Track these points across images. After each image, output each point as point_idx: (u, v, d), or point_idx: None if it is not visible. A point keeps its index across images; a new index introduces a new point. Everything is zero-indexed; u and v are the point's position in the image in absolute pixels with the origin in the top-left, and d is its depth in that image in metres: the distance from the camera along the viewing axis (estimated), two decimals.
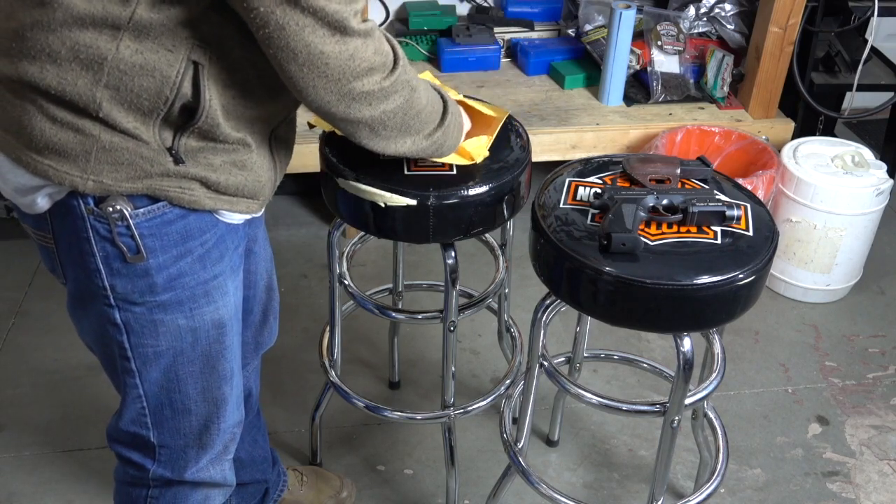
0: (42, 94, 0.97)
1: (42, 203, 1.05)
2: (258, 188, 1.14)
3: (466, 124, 1.34)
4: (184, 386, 1.19)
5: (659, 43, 2.54)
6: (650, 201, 1.26)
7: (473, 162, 1.36)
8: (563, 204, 1.31)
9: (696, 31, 2.63)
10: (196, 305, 1.13)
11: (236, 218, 1.15)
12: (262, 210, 1.21)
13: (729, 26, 2.61)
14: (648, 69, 2.53)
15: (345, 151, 1.48)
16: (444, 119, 1.21)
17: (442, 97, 1.21)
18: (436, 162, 1.37)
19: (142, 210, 1.04)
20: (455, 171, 1.38)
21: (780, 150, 2.39)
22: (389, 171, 1.42)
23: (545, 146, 2.42)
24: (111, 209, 1.03)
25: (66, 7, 0.94)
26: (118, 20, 0.94)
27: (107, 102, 0.97)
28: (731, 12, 2.60)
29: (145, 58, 0.96)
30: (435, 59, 2.67)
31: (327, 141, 1.52)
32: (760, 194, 2.20)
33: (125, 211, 1.03)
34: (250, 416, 1.57)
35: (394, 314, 1.71)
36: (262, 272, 1.42)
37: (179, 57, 0.97)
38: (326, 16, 0.95)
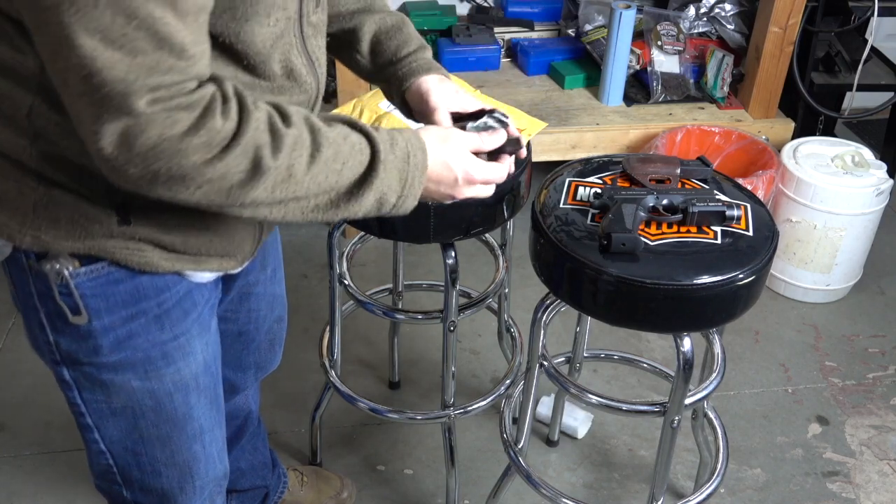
0: None
1: None
2: (232, 247, 1.04)
3: (444, 156, 1.00)
4: (150, 448, 1.12)
5: (659, 43, 2.54)
6: (650, 201, 1.26)
7: None
8: (563, 204, 1.31)
9: (696, 31, 2.63)
10: (153, 367, 1.04)
11: (206, 276, 1.05)
12: (245, 265, 1.10)
13: (729, 26, 2.61)
14: (648, 69, 2.53)
15: None
16: (373, 173, 0.92)
17: (371, 145, 0.93)
18: None
19: (84, 270, 0.96)
20: None
21: (780, 150, 2.39)
22: None
23: (545, 146, 2.42)
24: (49, 267, 0.95)
25: None
26: (29, 72, 0.87)
27: (37, 153, 0.90)
28: (731, 12, 2.61)
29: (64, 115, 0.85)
30: (435, 60, 2.67)
31: None
32: (760, 194, 2.20)
33: (65, 270, 0.95)
34: (250, 430, 1.56)
35: (394, 314, 1.71)
36: (272, 307, 1.38)
37: None
38: (102, 86, 0.76)
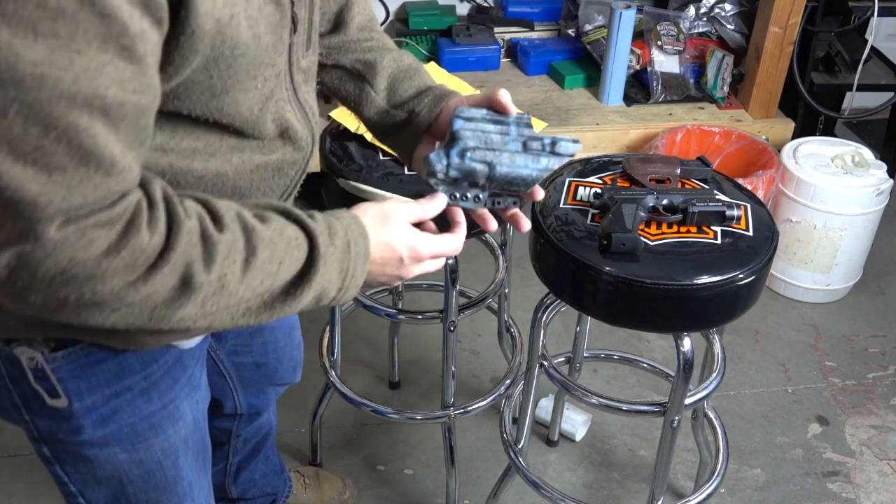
0: None
1: None
2: None
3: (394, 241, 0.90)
4: None
5: (659, 43, 2.54)
6: (650, 201, 1.26)
7: None
8: (563, 204, 1.31)
9: (696, 31, 2.63)
10: (140, 440, 0.98)
11: (196, 341, 0.99)
12: None
13: (729, 26, 2.61)
14: (648, 69, 2.53)
15: (345, 151, 1.49)
16: (312, 269, 0.82)
17: (309, 238, 0.82)
18: None
19: (61, 353, 0.87)
20: None
21: (780, 150, 2.39)
22: (390, 171, 1.42)
23: None
24: (20, 351, 0.87)
25: None
26: None
27: None
28: (731, 12, 2.61)
29: None
30: (435, 59, 2.67)
31: (327, 140, 1.52)
32: (760, 194, 2.20)
33: (38, 355, 0.87)
34: (268, 442, 1.54)
35: (394, 314, 1.71)
36: (290, 336, 1.34)
37: None
38: (6, 207, 0.64)
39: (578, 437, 1.99)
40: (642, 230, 1.25)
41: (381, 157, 1.47)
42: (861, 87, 2.49)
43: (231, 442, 1.44)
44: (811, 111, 2.55)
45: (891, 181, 2.30)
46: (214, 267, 0.74)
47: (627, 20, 2.38)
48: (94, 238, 0.67)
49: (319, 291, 0.83)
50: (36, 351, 0.87)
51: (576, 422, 1.98)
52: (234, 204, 0.80)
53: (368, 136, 1.50)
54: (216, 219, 0.76)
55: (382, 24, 2.72)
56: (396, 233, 0.89)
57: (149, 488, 1.03)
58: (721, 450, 1.61)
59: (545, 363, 1.44)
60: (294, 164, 0.93)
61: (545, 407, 1.99)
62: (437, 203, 0.95)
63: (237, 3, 0.73)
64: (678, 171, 1.35)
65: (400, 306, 2.01)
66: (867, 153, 2.37)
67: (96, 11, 0.61)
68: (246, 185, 0.88)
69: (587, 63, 2.65)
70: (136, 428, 0.97)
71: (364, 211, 0.89)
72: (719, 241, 1.24)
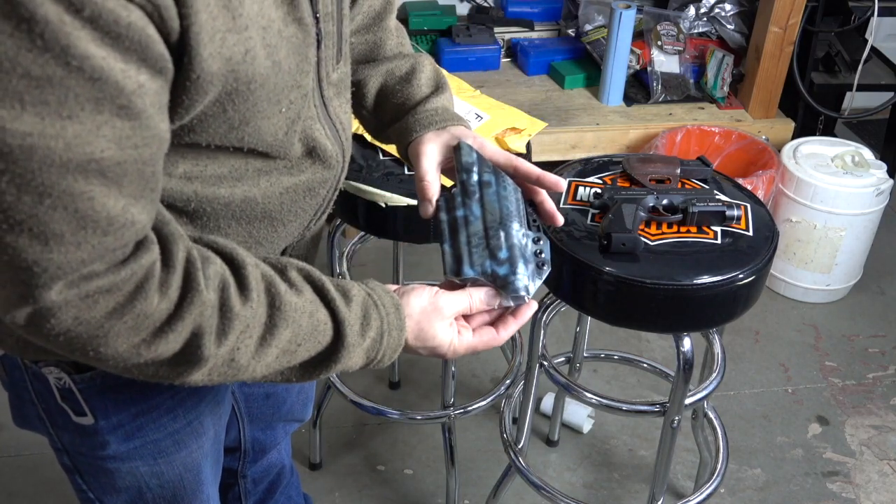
0: None
1: None
2: None
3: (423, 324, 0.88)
4: None
5: (659, 43, 2.54)
6: (650, 201, 1.26)
7: None
8: (564, 204, 1.31)
9: (696, 31, 2.63)
10: (162, 455, 0.98)
11: None
12: None
13: (729, 26, 2.61)
14: (648, 69, 2.53)
15: None
16: (333, 357, 0.82)
17: (336, 328, 0.81)
18: None
19: (89, 374, 0.87)
20: None
21: (780, 150, 2.39)
22: (390, 171, 1.42)
23: (545, 146, 2.41)
24: (48, 370, 0.87)
25: None
26: None
27: None
28: (731, 12, 2.61)
29: None
30: (435, 60, 2.67)
31: None
32: (760, 194, 2.20)
33: (66, 376, 0.87)
34: (284, 482, 1.49)
35: None
36: None
37: None
38: (14, 270, 0.64)
39: (586, 430, 2.00)
40: (642, 230, 1.25)
41: (381, 157, 1.47)
42: (861, 87, 2.49)
43: (239, 482, 1.40)
44: (811, 111, 2.55)
45: (891, 181, 2.30)
46: (226, 341, 0.73)
47: (627, 20, 2.38)
48: (98, 300, 0.67)
49: (341, 370, 0.83)
50: (63, 371, 0.87)
51: (582, 414, 1.99)
52: (271, 270, 0.78)
53: (368, 137, 1.50)
54: (243, 288, 0.75)
55: None
56: (435, 334, 0.88)
57: (166, 494, 1.04)
58: (721, 450, 1.61)
59: (545, 363, 1.44)
60: (325, 182, 0.91)
61: (552, 396, 1.99)
62: (485, 295, 0.90)
63: (252, 36, 0.70)
64: (678, 171, 1.35)
65: None
66: (867, 153, 2.37)
67: (86, 76, 0.59)
68: (276, 209, 0.87)
69: (587, 63, 2.65)
70: (159, 444, 0.97)
71: (409, 305, 0.86)
72: (719, 241, 1.24)
